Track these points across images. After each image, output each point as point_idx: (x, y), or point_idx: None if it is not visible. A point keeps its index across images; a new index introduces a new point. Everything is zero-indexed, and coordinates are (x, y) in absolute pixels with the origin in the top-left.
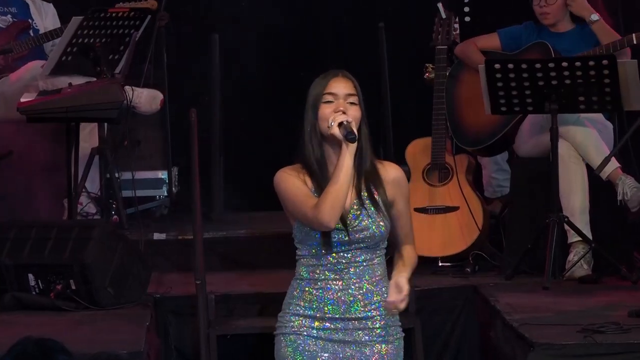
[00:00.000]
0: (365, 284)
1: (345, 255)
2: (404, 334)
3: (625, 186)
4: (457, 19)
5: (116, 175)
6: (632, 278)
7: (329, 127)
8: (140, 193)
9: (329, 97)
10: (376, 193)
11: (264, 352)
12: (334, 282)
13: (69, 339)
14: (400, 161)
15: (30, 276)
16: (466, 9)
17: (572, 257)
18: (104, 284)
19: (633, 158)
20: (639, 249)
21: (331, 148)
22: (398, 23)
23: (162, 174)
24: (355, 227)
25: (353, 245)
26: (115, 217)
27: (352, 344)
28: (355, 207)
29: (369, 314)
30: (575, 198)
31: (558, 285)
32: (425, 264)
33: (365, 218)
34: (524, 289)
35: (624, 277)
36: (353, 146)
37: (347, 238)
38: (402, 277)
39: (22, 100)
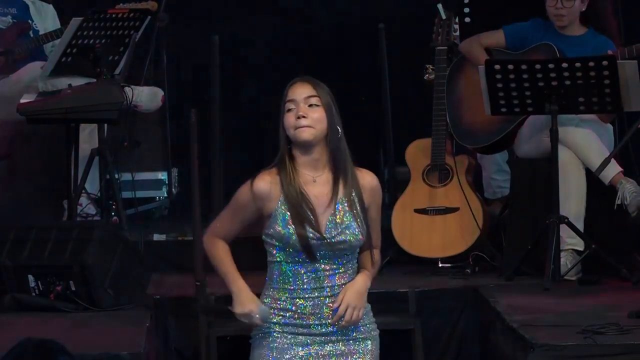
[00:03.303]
0: (335, 291)
1: (322, 263)
2: (378, 331)
3: (626, 191)
4: (457, 20)
5: (116, 176)
6: (632, 279)
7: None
8: (140, 194)
9: (290, 105)
10: (354, 198)
11: None
12: (309, 289)
13: (69, 340)
14: (401, 162)
15: (30, 277)
16: (466, 10)
17: (562, 261)
18: (104, 285)
19: (633, 159)
20: (639, 250)
21: (302, 154)
22: (398, 24)
23: (162, 175)
24: (334, 236)
25: (335, 253)
26: (115, 218)
27: (326, 344)
28: (334, 215)
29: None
30: (571, 204)
31: (558, 287)
32: (425, 265)
33: (344, 227)
34: (524, 290)
35: (624, 278)
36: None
37: (327, 248)
38: (341, 293)
39: (22, 101)
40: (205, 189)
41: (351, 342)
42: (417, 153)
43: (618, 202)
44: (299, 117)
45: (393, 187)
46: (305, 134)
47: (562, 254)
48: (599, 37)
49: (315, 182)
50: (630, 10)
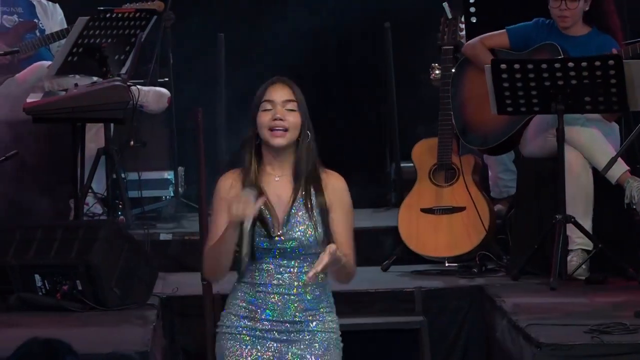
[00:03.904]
0: (299, 291)
1: (278, 261)
2: (342, 344)
3: (633, 190)
4: (463, 19)
5: (122, 175)
6: (639, 278)
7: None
8: (147, 193)
9: (267, 105)
10: (313, 199)
11: None
12: (271, 287)
13: (75, 339)
14: (407, 161)
15: (37, 277)
16: (472, 9)
17: (569, 258)
18: (110, 285)
19: None
20: None
21: (269, 153)
22: (404, 23)
23: (169, 174)
24: (285, 234)
25: (283, 252)
26: (121, 217)
27: (289, 344)
28: (291, 215)
29: (304, 320)
30: (578, 204)
31: (565, 286)
32: (431, 265)
33: (296, 226)
34: (530, 290)
35: (630, 278)
36: (238, 229)
37: (272, 247)
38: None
39: (28, 100)
40: (212, 188)
41: (310, 337)
42: (424, 152)
43: (627, 201)
44: (276, 119)
45: (399, 187)
46: (279, 140)
47: (570, 253)
48: (602, 37)
49: (278, 181)
50: (634, 9)
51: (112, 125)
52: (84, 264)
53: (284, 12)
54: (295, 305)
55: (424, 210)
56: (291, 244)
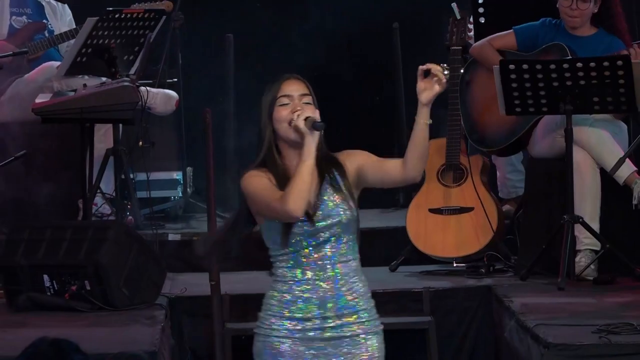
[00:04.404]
0: (338, 284)
1: (315, 253)
2: (382, 326)
3: None
4: (471, 20)
5: (131, 176)
6: None
7: (291, 124)
8: (155, 194)
9: (284, 100)
10: (339, 180)
11: None
12: (309, 283)
13: (83, 339)
14: None
15: (45, 277)
16: (481, 10)
17: (578, 259)
18: (119, 285)
19: None
20: None
21: (290, 149)
22: (412, 24)
23: (177, 175)
24: (319, 215)
25: (319, 239)
26: (130, 217)
27: (329, 340)
28: (323, 203)
29: (344, 310)
30: (586, 204)
31: (573, 286)
32: (439, 265)
33: (329, 206)
34: (538, 290)
35: (638, 278)
36: (316, 137)
37: (311, 228)
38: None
39: (37, 101)
40: (220, 189)
41: (355, 338)
42: (432, 153)
43: (634, 202)
44: (295, 112)
45: (407, 187)
46: (309, 113)
47: (578, 254)
48: (609, 38)
49: None
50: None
51: (120, 125)
52: (93, 264)
53: (293, 13)
54: (334, 303)
55: (432, 211)
56: (329, 221)
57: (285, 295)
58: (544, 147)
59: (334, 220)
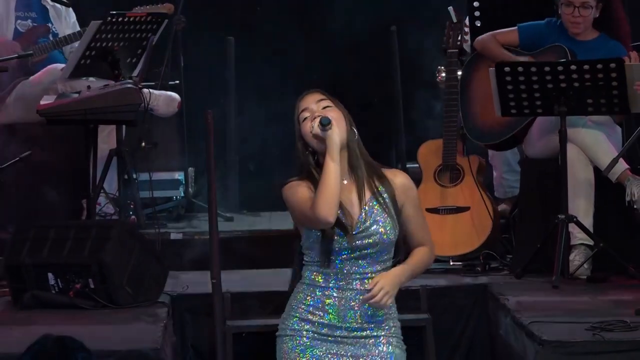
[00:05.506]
0: (365, 294)
1: (348, 264)
2: (405, 347)
3: (634, 187)
4: (467, 23)
5: (134, 176)
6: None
7: (311, 132)
8: (158, 193)
9: (304, 114)
10: (385, 195)
11: None
12: (335, 291)
13: (87, 337)
14: (412, 162)
15: (50, 275)
16: (477, 13)
17: (572, 257)
18: (122, 283)
19: None
20: None
21: (323, 158)
22: (410, 27)
23: (179, 175)
24: (360, 232)
25: (356, 253)
26: (132, 217)
27: (352, 348)
28: (362, 212)
29: (369, 324)
30: (579, 202)
31: (567, 284)
32: (436, 263)
33: (372, 224)
34: (533, 288)
35: (631, 276)
36: (334, 137)
37: (348, 245)
38: (378, 275)
39: (42, 102)
40: (222, 189)
41: (372, 342)
42: (429, 153)
43: (627, 198)
44: (315, 118)
45: None
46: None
47: (573, 250)
48: (611, 42)
49: (346, 184)
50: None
51: (124, 126)
52: (97, 263)
53: (293, 16)
54: (360, 309)
55: (429, 210)
56: (369, 240)
57: (310, 299)
58: (539, 147)
59: (376, 239)
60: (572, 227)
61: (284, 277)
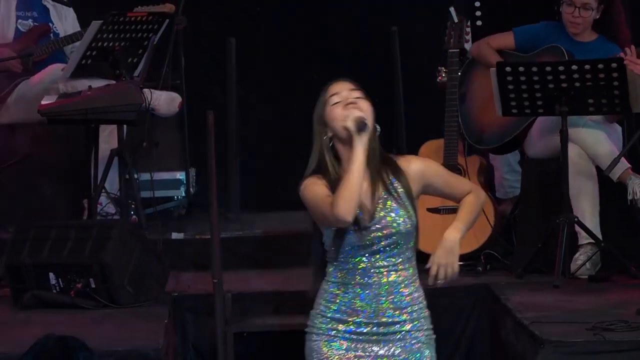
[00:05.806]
0: (392, 289)
1: (366, 259)
2: (434, 336)
3: (635, 186)
4: (469, 23)
5: (135, 176)
6: None
7: (343, 122)
8: (159, 193)
9: (335, 99)
10: (397, 185)
11: (280, 350)
12: (360, 287)
13: (89, 336)
14: None
15: (51, 275)
16: (478, 13)
17: (577, 255)
18: (123, 283)
19: None
20: None
21: (344, 147)
22: (411, 27)
23: (180, 175)
24: (375, 226)
25: (372, 248)
26: (134, 217)
27: (382, 342)
28: (376, 206)
29: (397, 318)
30: (585, 200)
31: (568, 284)
32: None
33: (388, 213)
34: (534, 288)
35: (633, 276)
36: (364, 139)
37: (366, 240)
38: (433, 254)
39: (43, 102)
40: (223, 189)
41: (403, 337)
42: (430, 154)
43: (629, 197)
44: (348, 104)
45: None
46: (358, 113)
47: (580, 249)
48: (609, 45)
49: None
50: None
51: (125, 126)
52: (98, 263)
53: (293, 16)
54: (387, 304)
55: (430, 210)
56: (386, 232)
57: (333, 296)
58: (540, 147)
59: (391, 230)
60: (578, 227)
61: (285, 277)
